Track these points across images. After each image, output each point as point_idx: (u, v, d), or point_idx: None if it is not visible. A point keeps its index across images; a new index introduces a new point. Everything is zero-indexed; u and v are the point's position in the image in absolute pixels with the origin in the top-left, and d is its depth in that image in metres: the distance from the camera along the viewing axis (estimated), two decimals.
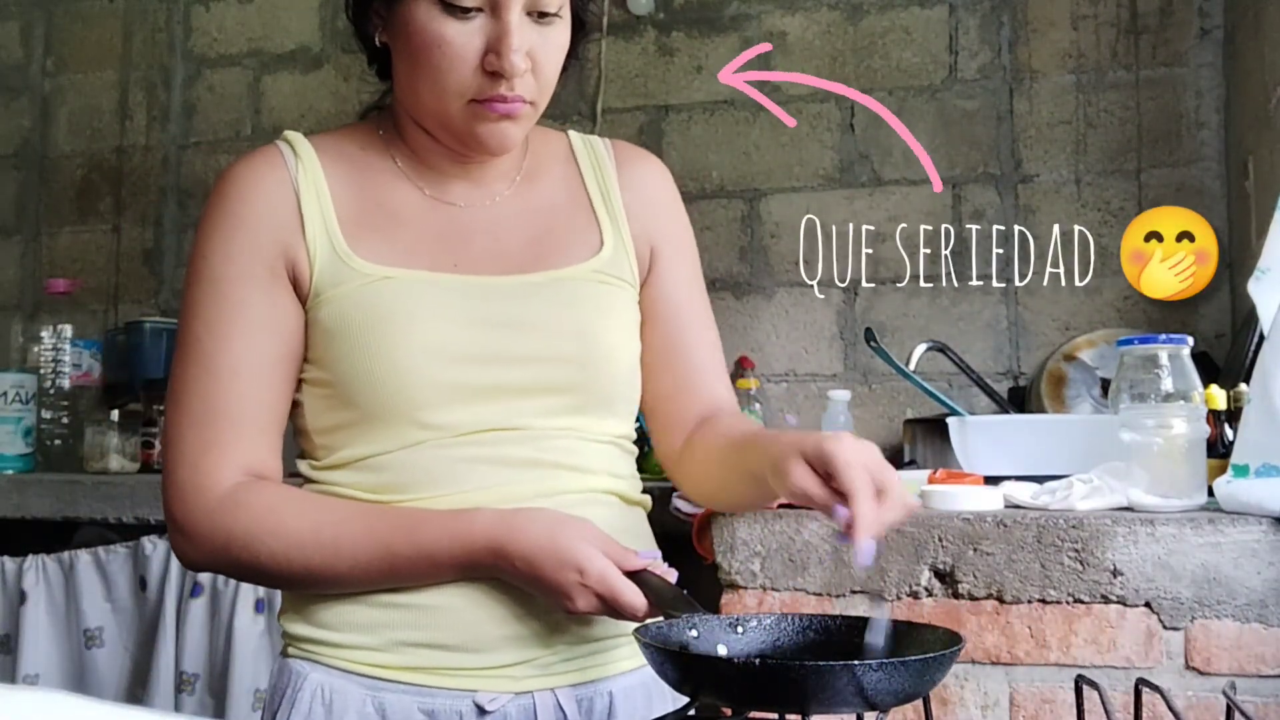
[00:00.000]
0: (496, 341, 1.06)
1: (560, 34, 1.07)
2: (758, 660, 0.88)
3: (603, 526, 1.04)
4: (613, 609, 0.98)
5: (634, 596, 0.97)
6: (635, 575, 0.98)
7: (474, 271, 1.09)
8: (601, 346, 1.10)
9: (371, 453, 1.06)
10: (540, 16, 1.04)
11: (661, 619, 0.95)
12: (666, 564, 1.02)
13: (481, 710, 1.03)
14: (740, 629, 0.95)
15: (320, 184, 1.09)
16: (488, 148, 1.08)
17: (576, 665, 1.08)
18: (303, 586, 1.07)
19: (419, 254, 1.08)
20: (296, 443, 1.14)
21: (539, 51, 1.04)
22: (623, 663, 1.11)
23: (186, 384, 1.06)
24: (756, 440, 1.07)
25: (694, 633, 0.93)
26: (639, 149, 1.25)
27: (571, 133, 1.23)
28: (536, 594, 1.02)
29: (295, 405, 1.10)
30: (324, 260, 1.06)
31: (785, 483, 0.96)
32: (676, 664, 0.85)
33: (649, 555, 1.00)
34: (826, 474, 0.93)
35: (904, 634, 0.91)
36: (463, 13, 1.01)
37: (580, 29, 1.11)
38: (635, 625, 1.05)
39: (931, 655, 0.82)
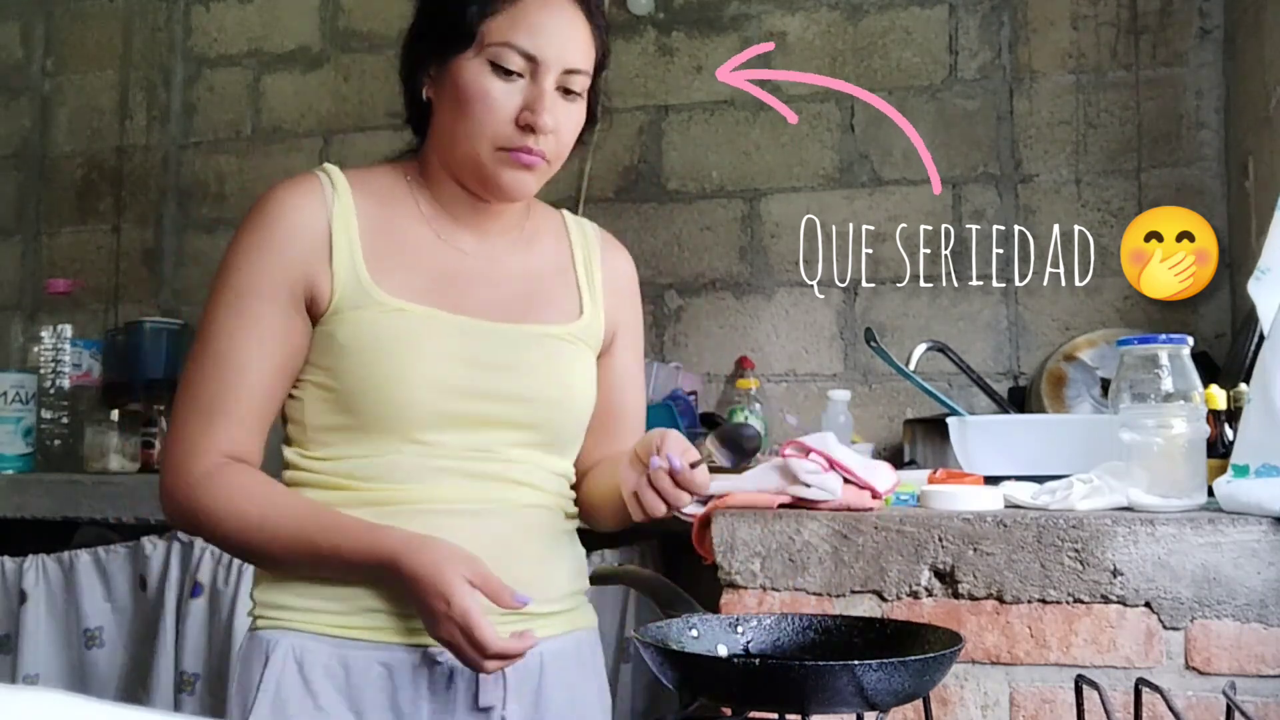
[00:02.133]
0: (486, 379, 1.22)
1: (579, 111, 1.26)
2: (757, 660, 0.88)
3: (545, 534, 1.26)
4: (470, 641, 1.09)
5: (486, 637, 1.08)
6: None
7: (472, 314, 1.24)
8: (573, 395, 1.29)
9: (361, 454, 1.20)
10: (566, 93, 1.23)
11: (663, 620, 0.95)
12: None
13: (433, 661, 1.18)
14: (740, 629, 0.95)
15: (350, 217, 1.23)
16: (507, 193, 1.24)
17: (513, 629, 1.17)
18: (247, 560, 1.25)
19: (429, 292, 1.24)
20: (284, 430, 1.27)
21: (561, 120, 1.22)
22: (551, 628, 1.24)
23: (199, 379, 1.20)
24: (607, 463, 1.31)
25: (694, 633, 0.93)
26: (617, 242, 1.44)
27: (565, 212, 1.42)
28: (418, 614, 1.13)
29: (296, 399, 1.24)
30: (346, 286, 1.21)
31: (624, 487, 1.17)
32: (676, 664, 0.85)
33: (521, 600, 1.13)
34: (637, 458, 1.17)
35: (904, 634, 0.91)
36: (506, 74, 1.20)
37: (591, 120, 1.30)
38: (573, 590, 1.29)
39: (931, 655, 0.82)
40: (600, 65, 1.29)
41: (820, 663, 0.80)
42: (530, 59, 1.21)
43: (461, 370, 1.21)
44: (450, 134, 1.24)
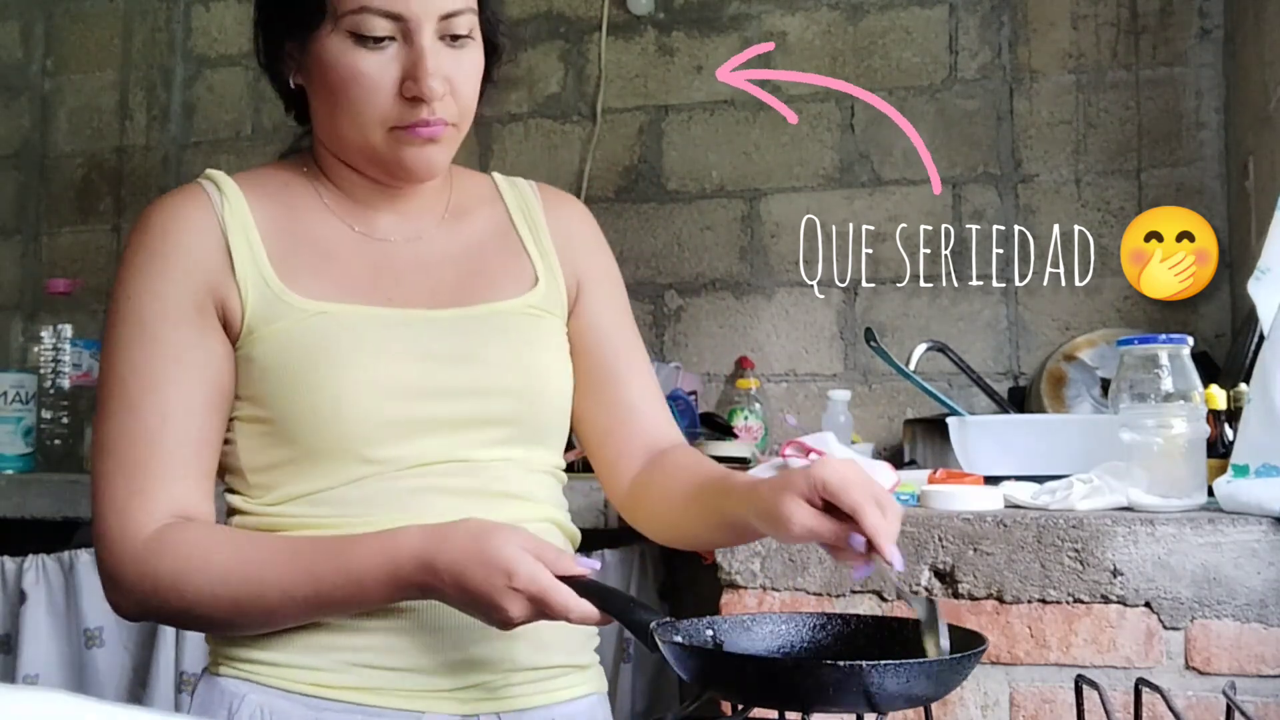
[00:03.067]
0: (438, 375, 1.06)
1: (473, 56, 1.07)
2: (780, 657, 0.87)
3: None
4: (545, 612, 0.94)
5: (566, 596, 0.92)
6: (576, 582, 0.94)
7: (409, 305, 1.09)
8: (540, 378, 1.11)
9: (314, 489, 1.04)
10: (452, 40, 1.05)
11: (668, 619, 0.94)
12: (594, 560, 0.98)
13: None
14: (722, 626, 0.94)
15: (247, 221, 1.07)
16: (415, 174, 1.08)
17: (521, 691, 1.07)
18: (232, 627, 1.03)
19: (353, 289, 1.08)
20: (224, 481, 1.10)
21: (455, 74, 1.04)
22: (563, 691, 1.10)
23: (112, 429, 1.03)
24: (731, 486, 1.06)
25: (711, 632, 0.92)
26: (562, 192, 1.27)
27: (495, 174, 1.25)
28: (469, 611, 0.97)
29: (225, 443, 1.07)
30: (256, 297, 1.05)
31: (788, 528, 0.94)
32: (700, 661, 0.84)
33: (589, 564, 0.96)
34: (825, 504, 0.93)
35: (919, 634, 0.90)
36: (374, 42, 1.02)
37: (493, 52, 1.12)
38: (592, 647, 1.12)
39: (956, 656, 0.81)
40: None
41: (856, 662, 0.77)
42: (395, 17, 1.01)
43: (405, 368, 1.04)
44: (332, 124, 1.07)
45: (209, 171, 1.11)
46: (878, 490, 0.92)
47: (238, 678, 1.04)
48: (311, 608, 1.00)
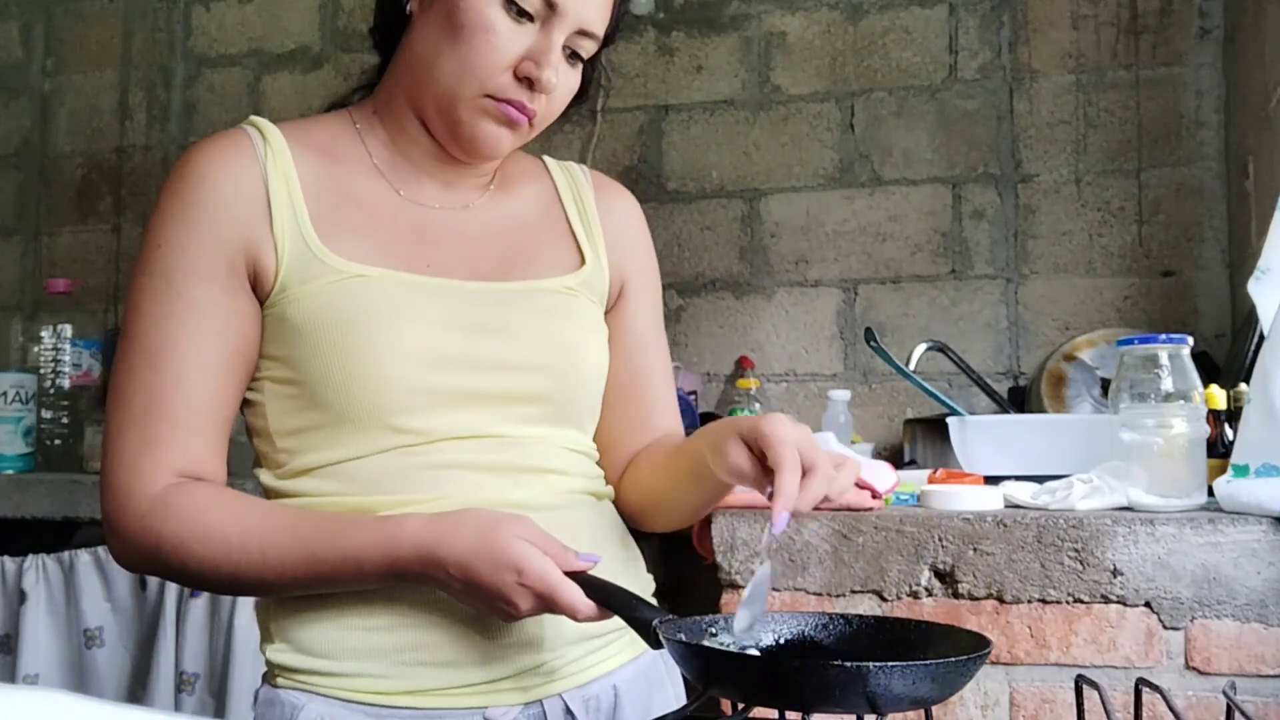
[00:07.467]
0: (475, 347, 1.04)
1: (575, 78, 1.09)
2: (769, 657, 0.87)
3: (582, 524, 1.06)
4: (551, 609, 0.94)
5: (574, 595, 0.92)
6: (578, 576, 0.94)
7: (448, 275, 1.07)
8: (577, 358, 1.10)
9: (340, 458, 1.02)
10: (571, 55, 1.07)
11: (670, 617, 0.94)
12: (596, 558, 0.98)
13: None
14: (729, 627, 0.94)
15: (290, 173, 1.05)
16: (480, 148, 1.07)
17: (580, 665, 1.06)
18: (233, 591, 1.03)
19: (392, 253, 1.06)
20: (253, 446, 1.09)
21: (561, 82, 1.06)
22: (621, 654, 1.10)
23: (129, 381, 1.01)
24: (694, 435, 1.09)
25: (713, 631, 0.92)
26: (615, 182, 1.27)
27: (546, 158, 1.25)
28: (472, 604, 0.97)
29: (253, 404, 1.06)
30: (293, 255, 1.02)
31: (723, 462, 0.98)
32: (703, 659, 0.84)
33: (590, 558, 0.95)
34: (761, 453, 0.95)
35: (932, 635, 0.90)
36: (519, 13, 1.03)
37: (581, 95, 1.13)
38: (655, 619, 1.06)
39: (960, 658, 0.81)
40: (609, 37, 1.11)
41: (858, 664, 0.77)
42: (549, 4, 1.03)
43: (441, 338, 1.03)
44: (431, 62, 1.05)
45: (253, 118, 1.09)
46: (813, 458, 0.93)
47: (296, 689, 1.02)
48: (310, 585, 0.99)
